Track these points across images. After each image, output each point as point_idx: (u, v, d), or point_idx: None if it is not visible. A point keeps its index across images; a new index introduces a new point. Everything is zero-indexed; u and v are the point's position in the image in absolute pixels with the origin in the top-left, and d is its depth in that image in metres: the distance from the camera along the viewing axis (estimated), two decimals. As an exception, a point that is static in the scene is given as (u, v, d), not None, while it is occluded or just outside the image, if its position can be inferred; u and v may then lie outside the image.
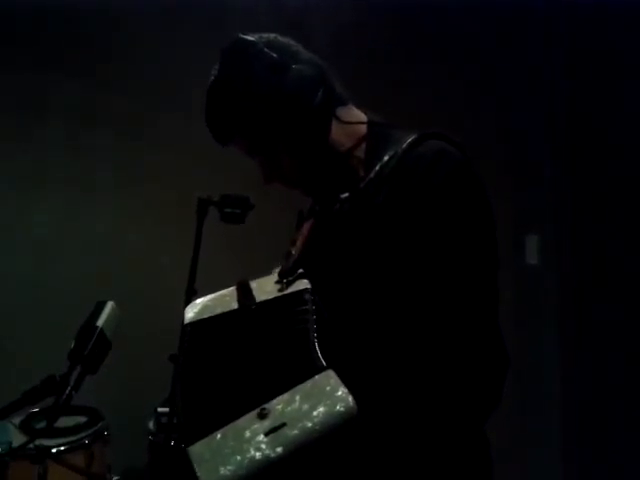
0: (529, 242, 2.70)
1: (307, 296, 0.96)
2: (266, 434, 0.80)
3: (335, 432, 0.80)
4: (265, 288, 1.02)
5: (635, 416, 2.32)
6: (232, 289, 1.07)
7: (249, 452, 0.79)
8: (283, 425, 0.81)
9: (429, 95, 2.65)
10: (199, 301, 1.07)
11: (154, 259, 2.56)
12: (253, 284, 1.05)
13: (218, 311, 1.01)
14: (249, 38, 1.04)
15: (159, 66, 2.60)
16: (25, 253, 2.47)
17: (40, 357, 1.98)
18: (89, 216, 2.56)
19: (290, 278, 1.01)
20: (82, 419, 2.14)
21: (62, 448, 1.96)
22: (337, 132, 1.07)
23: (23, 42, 2.47)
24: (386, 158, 1.01)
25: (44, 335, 2.33)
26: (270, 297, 0.99)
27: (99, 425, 2.12)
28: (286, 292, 0.99)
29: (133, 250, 2.56)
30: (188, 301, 1.83)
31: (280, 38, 1.07)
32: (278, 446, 0.79)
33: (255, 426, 0.82)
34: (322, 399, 0.82)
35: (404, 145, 1.01)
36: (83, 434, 2.05)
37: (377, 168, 1.02)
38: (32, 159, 2.49)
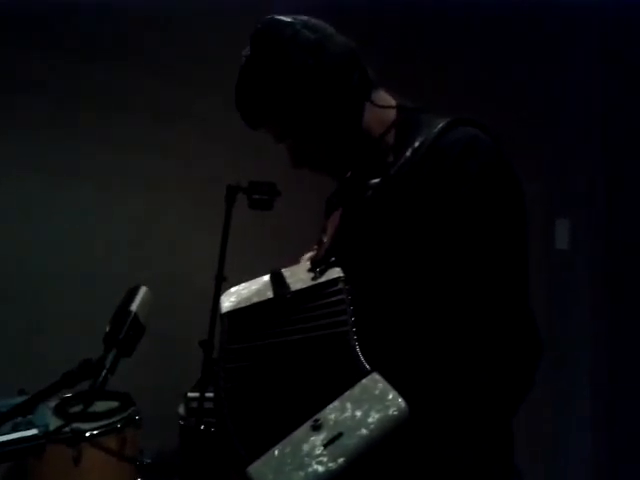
0: (559, 226, 2.64)
1: (341, 284, 0.96)
2: (325, 446, 0.80)
3: (392, 436, 0.80)
4: (298, 276, 1.02)
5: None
6: (264, 278, 1.07)
7: (311, 466, 0.79)
8: (340, 435, 0.80)
9: (459, 77, 2.61)
10: (233, 290, 1.07)
11: (185, 246, 2.57)
12: (286, 272, 1.05)
13: (254, 300, 1.01)
14: (285, 19, 1.02)
15: (191, 50, 2.60)
16: (58, 238, 2.50)
17: (74, 342, 2.02)
18: (121, 202, 2.59)
19: (323, 267, 1.01)
20: (114, 404, 2.18)
21: (95, 432, 2.00)
22: (369, 116, 1.06)
23: (59, 33, 2.50)
24: (417, 144, 1.00)
25: (78, 320, 2.37)
26: (305, 286, 0.99)
27: (131, 410, 2.15)
28: (320, 281, 0.98)
29: (164, 236, 2.58)
30: (218, 287, 1.85)
31: (314, 20, 1.05)
32: (339, 457, 0.78)
33: (312, 438, 0.82)
34: (374, 404, 0.81)
35: (435, 131, 0.99)
36: (115, 418, 2.08)
37: (408, 154, 1.00)
38: (64, 145, 2.51)
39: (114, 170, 2.57)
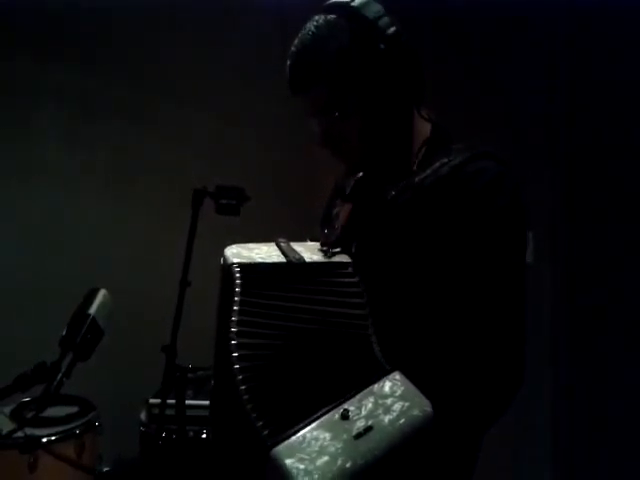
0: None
1: (351, 269, 0.97)
2: (355, 437, 0.79)
3: (420, 435, 0.81)
4: (309, 251, 1.00)
5: (630, 413, 2.32)
6: (271, 245, 1.04)
7: (343, 456, 0.77)
8: (370, 429, 0.80)
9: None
10: (236, 245, 1.02)
11: (148, 250, 2.55)
12: (296, 246, 1.02)
13: (265, 260, 0.96)
14: (375, 1, 1.04)
15: (160, 60, 2.59)
16: (23, 241, 2.45)
17: (35, 345, 1.97)
18: (87, 204, 2.55)
19: (335, 249, 1.01)
20: (73, 409, 2.13)
21: (52, 438, 1.96)
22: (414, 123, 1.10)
23: (22, 32, 2.46)
24: (445, 160, 1.04)
25: (40, 324, 2.32)
26: (317, 259, 0.97)
27: (90, 415, 2.11)
28: (334, 259, 0.98)
29: (127, 240, 2.55)
30: (182, 292, 1.83)
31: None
32: (372, 451, 0.78)
33: (342, 428, 0.80)
34: (402, 403, 0.82)
35: (464, 156, 1.04)
36: (74, 424, 2.04)
37: (435, 167, 1.04)
38: (32, 147, 2.47)
39: (81, 171, 2.54)
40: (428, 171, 1.04)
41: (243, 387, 0.82)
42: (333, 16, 1.03)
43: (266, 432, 0.79)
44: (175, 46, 2.58)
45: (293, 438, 0.78)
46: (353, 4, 1.03)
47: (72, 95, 2.51)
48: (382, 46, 1.00)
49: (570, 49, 2.55)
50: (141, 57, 2.57)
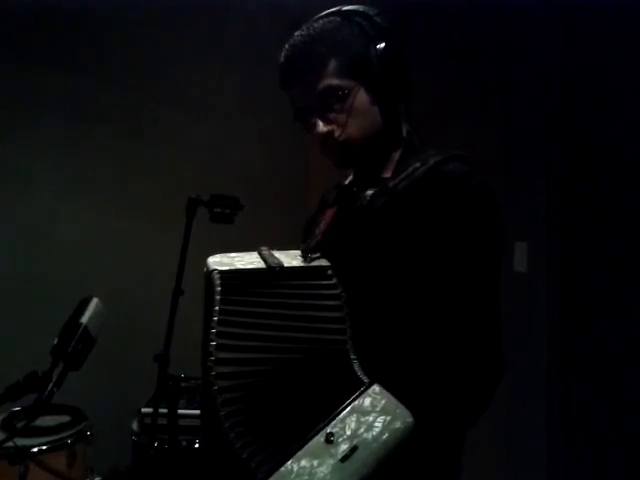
0: (518, 249, 2.68)
1: (330, 272, 0.98)
2: (342, 460, 0.80)
3: (402, 447, 0.83)
4: (289, 257, 1.02)
5: (623, 426, 2.33)
6: (253, 253, 1.04)
7: None
8: (355, 449, 0.81)
9: (421, 101, 2.64)
10: (219, 255, 1.02)
11: (142, 258, 2.54)
12: (276, 254, 1.03)
13: (246, 266, 0.97)
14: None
15: (159, 64, 2.59)
16: (16, 248, 2.44)
17: (25, 353, 1.96)
18: (84, 214, 2.55)
19: (314, 255, 1.02)
20: (65, 418, 2.12)
21: (43, 447, 1.94)
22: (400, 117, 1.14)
23: (21, 38, 2.46)
24: (417, 164, 1.07)
25: (30, 331, 2.31)
26: (296, 264, 0.98)
27: (82, 425, 2.10)
28: (313, 264, 0.99)
29: (121, 249, 2.54)
30: (175, 301, 1.82)
31: None
32: (360, 470, 0.79)
33: (328, 452, 0.81)
34: (382, 417, 0.84)
35: (435, 159, 1.07)
36: (65, 433, 2.03)
37: (408, 172, 1.07)
38: (31, 155, 2.47)
39: (80, 174, 2.54)
40: (402, 176, 1.07)
41: (223, 412, 0.82)
42: (334, 17, 1.09)
43: (254, 464, 0.80)
44: (175, 46, 2.58)
45: (282, 469, 0.79)
46: (348, 7, 1.09)
47: (71, 97, 2.51)
48: (384, 38, 1.06)
49: (569, 50, 2.55)
50: (141, 59, 2.57)
